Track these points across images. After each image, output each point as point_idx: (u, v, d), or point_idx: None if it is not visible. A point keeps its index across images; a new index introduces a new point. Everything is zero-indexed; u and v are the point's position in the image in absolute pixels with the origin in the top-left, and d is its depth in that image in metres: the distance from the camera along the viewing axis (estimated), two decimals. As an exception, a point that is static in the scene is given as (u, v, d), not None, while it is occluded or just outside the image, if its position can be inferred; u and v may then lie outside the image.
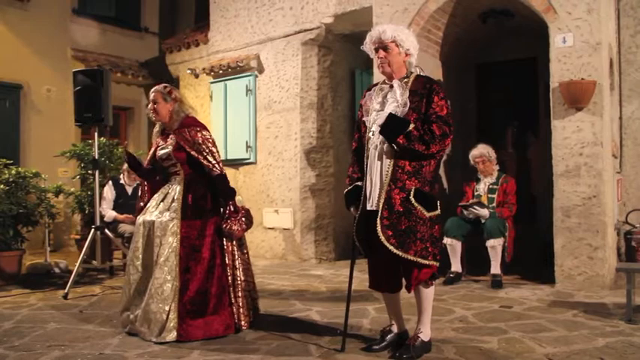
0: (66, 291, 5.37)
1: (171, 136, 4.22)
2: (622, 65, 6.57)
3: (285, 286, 5.99)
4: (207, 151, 4.11)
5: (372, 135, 3.46)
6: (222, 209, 4.16)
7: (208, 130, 4.27)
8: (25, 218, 6.48)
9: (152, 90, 4.29)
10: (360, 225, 3.50)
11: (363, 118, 3.58)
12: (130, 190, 6.92)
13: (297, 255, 7.94)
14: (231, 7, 8.90)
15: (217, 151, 4.21)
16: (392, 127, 3.26)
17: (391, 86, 3.48)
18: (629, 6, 6.50)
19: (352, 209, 3.59)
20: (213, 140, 4.21)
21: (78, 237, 7.76)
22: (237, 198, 4.33)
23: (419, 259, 3.30)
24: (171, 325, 3.86)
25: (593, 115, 5.44)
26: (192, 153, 4.08)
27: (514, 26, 6.79)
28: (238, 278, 4.13)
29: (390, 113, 3.29)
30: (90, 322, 4.43)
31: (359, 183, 3.55)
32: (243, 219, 4.15)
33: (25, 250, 6.86)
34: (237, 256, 4.17)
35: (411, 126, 3.26)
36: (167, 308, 3.87)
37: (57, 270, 6.91)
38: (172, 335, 3.84)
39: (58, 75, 9.45)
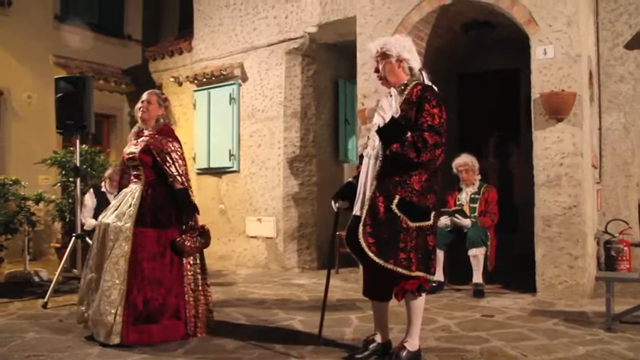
0: (45, 300, 5.29)
1: (142, 138, 4.26)
2: (601, 77, 6.68)
3: (268, 295, 5.97)
4: (170, 161, 4.13)
5: (368, 139, 3.54)
6: (182, 223, 4.16)
7: (180, 143, 4.32)
8: (3, 226, 6.38)
9: (149, 91, 4.36)
10: (349, 230, 3.48)
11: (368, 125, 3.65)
12: (111, 198, 6.83)
13: (280, 264, 7.91)
14: (215, 15, 8.90)
15: (184, 165, 4.23)
16: (391, 131, 3.26)
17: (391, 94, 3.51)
18: (607, 20, 6.63)
19: (333, 202, 3.63)
20: (182, 154, 4.25)
21: (58, 245, 7.66)
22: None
23: (399, 269, 3.23)
24: (117, 328, 3.89)
25: (574, 126, 5.51)
26: (158, 159, 4.11)
27: (496, 38, 6.87)
28: (189, 290, 4.15)
29: (393, 117, 3.28)
30: (70, 331, 4.36)
31: (352, 180, 3.63)
32: (199, 237, 4.16)
33: (4, 259, 6.75)
34: (190, 269, 4.18)
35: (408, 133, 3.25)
36: (113, 311, 3.91)
37: (37, 279, 6.80)
38: (117, 339, 3.88)
39: (39, 81, 9.32)
